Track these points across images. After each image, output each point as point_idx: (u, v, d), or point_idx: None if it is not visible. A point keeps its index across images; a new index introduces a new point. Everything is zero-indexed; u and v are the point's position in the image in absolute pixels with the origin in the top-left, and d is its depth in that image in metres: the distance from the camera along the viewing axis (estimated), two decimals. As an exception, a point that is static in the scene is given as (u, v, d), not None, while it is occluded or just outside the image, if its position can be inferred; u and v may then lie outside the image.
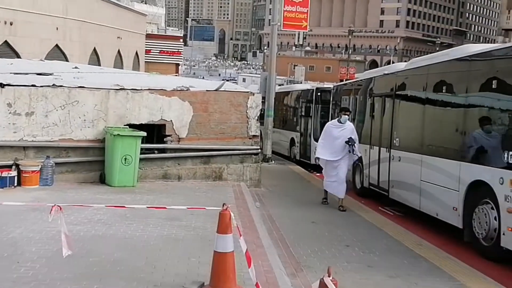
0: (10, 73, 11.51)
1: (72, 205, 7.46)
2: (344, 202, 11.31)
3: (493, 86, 8.19)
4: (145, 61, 44.03)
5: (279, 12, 21.69)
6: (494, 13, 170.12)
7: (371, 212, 11.22)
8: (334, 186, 11.36)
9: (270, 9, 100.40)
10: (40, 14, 25.60)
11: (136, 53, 41.99)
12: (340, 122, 11.31)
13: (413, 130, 11.15)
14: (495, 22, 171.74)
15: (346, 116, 11.36)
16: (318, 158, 11.58)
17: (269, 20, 30.95)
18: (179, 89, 12.10)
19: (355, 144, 11.17)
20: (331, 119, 18.19)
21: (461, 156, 8.91)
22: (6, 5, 23.28)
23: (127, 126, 11.25)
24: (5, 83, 10.21)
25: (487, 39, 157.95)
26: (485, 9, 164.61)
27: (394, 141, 11.81)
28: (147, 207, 7.93)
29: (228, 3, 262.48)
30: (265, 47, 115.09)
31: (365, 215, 10.81)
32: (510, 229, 7.40)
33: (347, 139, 11.04)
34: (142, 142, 10.95)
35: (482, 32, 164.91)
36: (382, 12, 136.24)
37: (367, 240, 8.55)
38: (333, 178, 11.34)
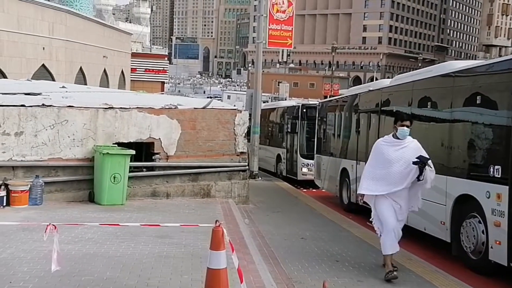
0: (-2, 93, 11.51)
1: (65, 224, 7.45)
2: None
3: (477, 102, 8.37)
4: (131, 80, 44.11)
5: (264, 30, 21.92)
6: (474, 29, 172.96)
7: (359, 227, 11.28)
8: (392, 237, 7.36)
9: (254, 27, 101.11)
10: (26, 34, 25.61)
11: (122, 71, 42.03)
12: (397, 138, 7.45)
13: (399, 146, 11.27)
14: (476, 38, 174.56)
15: (406, 128, 7.35)
16: (363, 195, 7.66)
17: (254, 38, 31.18)
18: (167, 107, 12.16)
19: (428, 166, 7.26)
20: (317, 135, 18.42)
21: (447, 170, 9.05)
22: (-8, 25, 23.32)
23: (116, 145, 11.27)
24: (-6, 103, 10.23)
25: (468, 54, 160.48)
26: (465, 26, 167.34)
27: (381, 157, 11.92)
28: (141, 225, 7.95)
29: (212, 22, 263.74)
30: (250, 65, 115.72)
31: (353, 230, 10.88)
32: (498, 242, 7.48)
33: (416, 159, 7.15)
34: (131, 160, 10.97)
35: (463, 48, 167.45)
36: (365, 29, 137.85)
37: (357, 255, 8.61)
38: (392, 224, 7.33)
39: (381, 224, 7.48)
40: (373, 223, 7.78)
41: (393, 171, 7.23)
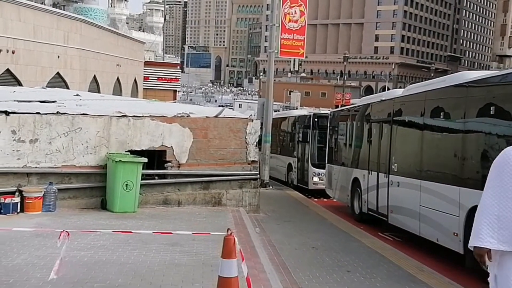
0: (14, 101, 11.63)
1: (78, 231, 7.51)
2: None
3: (490, 112, 8.35)
4: (143, 88, 44.30)
5: (276, 39, 21.96)
6: (488, 39, 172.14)
7: (371, 238, 11.25)
8: None
9: (266, 36, 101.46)
10: (42, 43, 25.91)
11: (135, 80, 42.26)
12: None
13: (411, 156, 11.26)
14: (489, 48, 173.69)
15: None
16: (487, 251, 3.98)
17: (265, 47, 31.26)
18: (179, 115, 12.23)
19: None
20: (328, 145, 18.36)
21: (460, 181, 9.01)
22: (8, 34, 23.55)
23: (129, 152, 11.34)
24: (10, 111, 10.32)
25: (482, 65, 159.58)
26: (479, 36, 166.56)
27: (393, 167, 11.91)
28: (153, 232, 7.99)
29: (225, 31, 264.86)
30: (261, 74, 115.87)
31: (365, 241, 10.84)
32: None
33: None
34: (143, 168, 11.02)
35: (477, 58, 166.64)
36: (377, 39, 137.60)
37: (368, 265, 8.59)
38: None
39: None
40: None
41: None
